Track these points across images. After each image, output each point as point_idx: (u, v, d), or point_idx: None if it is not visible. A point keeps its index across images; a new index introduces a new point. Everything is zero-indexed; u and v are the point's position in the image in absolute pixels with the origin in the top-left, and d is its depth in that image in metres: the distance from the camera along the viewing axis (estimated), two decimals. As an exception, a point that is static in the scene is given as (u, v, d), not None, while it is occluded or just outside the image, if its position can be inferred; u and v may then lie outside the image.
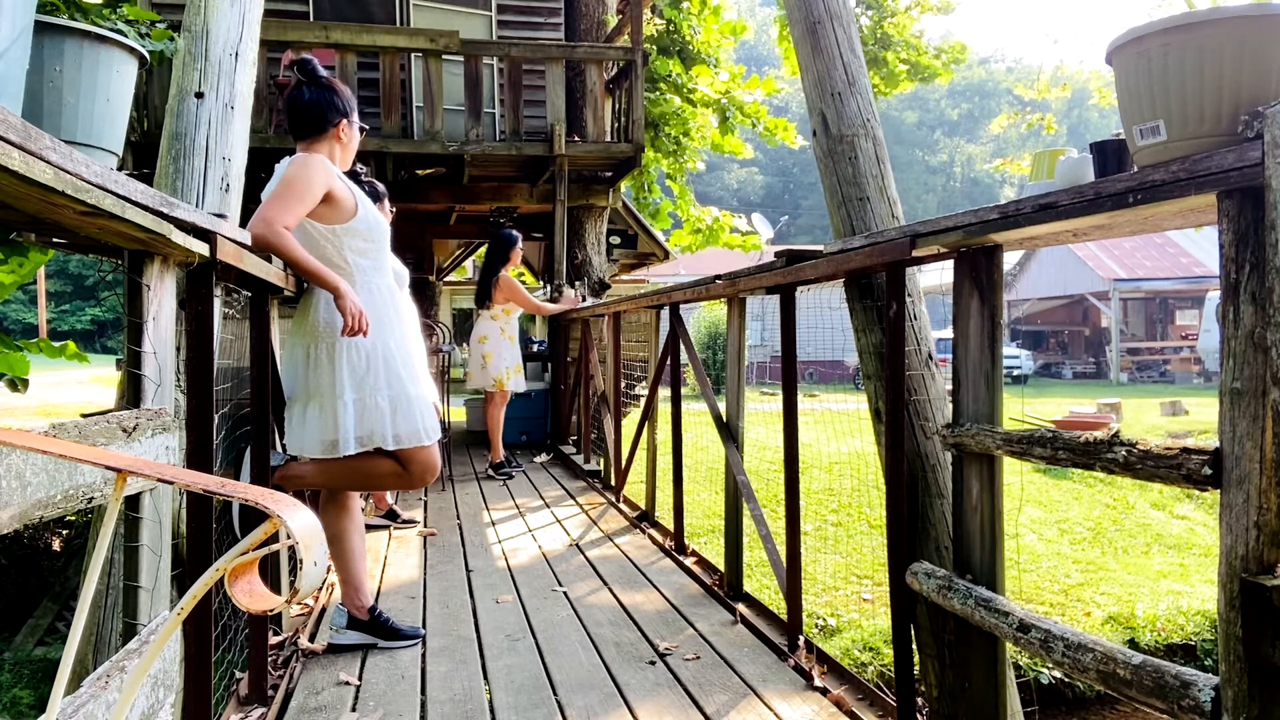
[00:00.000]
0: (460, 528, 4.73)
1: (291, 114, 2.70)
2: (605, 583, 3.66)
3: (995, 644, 2.07)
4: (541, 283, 10.76)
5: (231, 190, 2.93)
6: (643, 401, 5.29)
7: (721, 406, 3.65)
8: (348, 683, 2.62)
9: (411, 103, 7.85)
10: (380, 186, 3.48)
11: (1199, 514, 8.57)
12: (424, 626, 3.12)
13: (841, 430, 8.89)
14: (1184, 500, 8.81)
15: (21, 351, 2.26)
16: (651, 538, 4.43)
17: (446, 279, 15.75)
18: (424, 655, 2.85)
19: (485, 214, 9.05)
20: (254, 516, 2.56)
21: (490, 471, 6.30)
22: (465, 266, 17.33)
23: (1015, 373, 22.63)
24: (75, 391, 14.47)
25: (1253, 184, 1.29)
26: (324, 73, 2.75)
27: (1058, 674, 5.47)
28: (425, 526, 4.74)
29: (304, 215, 2.53)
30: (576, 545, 4.33)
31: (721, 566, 3.63)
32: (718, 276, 3.47)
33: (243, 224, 2.46)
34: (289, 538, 0.81)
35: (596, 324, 6.72)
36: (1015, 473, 8.33)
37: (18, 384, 2.29)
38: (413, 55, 7.61)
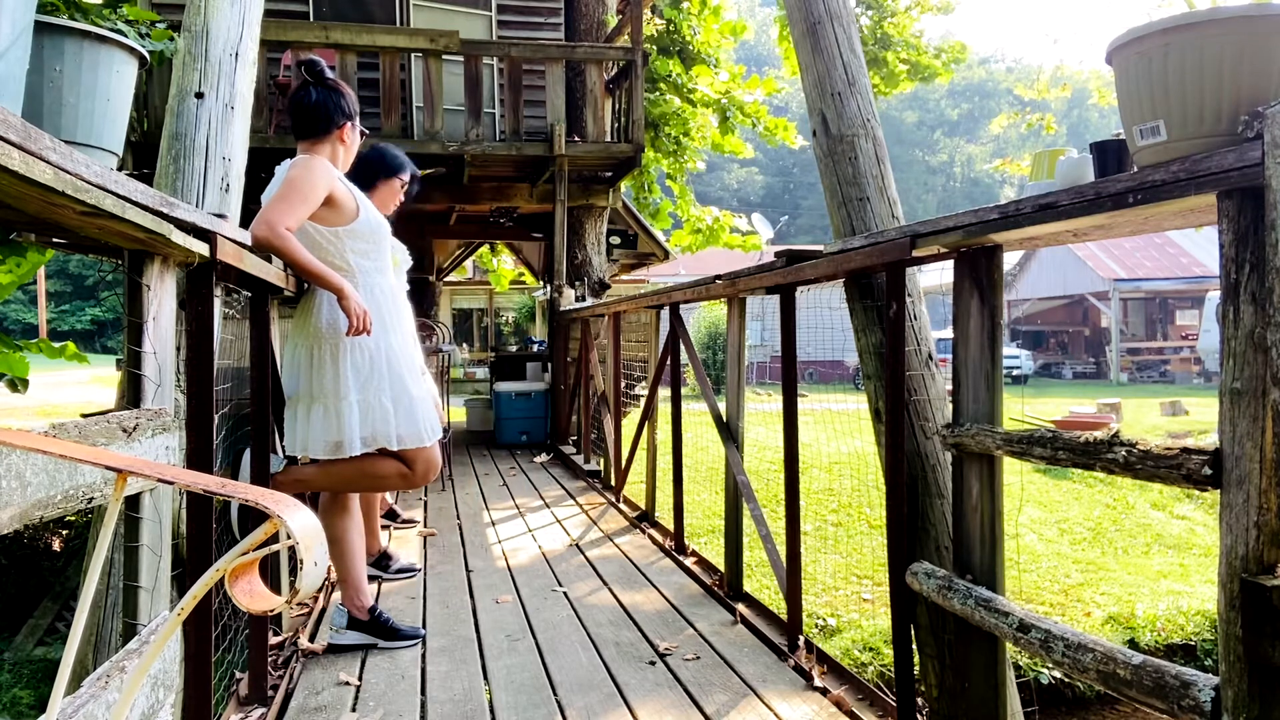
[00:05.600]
0: (460, 528, 4.73)
1: (296, 114, 2.70)
2: (605, 583, 3.66)
3: (995, 644, 2.07)
4: (541, 283, 10.76)
5: (231, 190, 2.93)
6: (643, 401, 5.29)
7: (721, 406, 3.65)
8: (348, 683, 2.62)
9: (411, 103, 7.84)
10: (385, 160, 3.34)
11: (1199, 514, 8.56)
12: (424, 626, 3.12)
13: (841, 430, 8.89)
14: (1184, 500, 8.80)
15: (21, 352, 2.27)
16: (651, 538, 4.42)
17: (446, 279, 15.76)
18: (424, 655, 2.85)
19: (485, 214, 9.05)
20: (253, 517, 2.56)
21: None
22: (465, 266, 17.36)
23: (1015, 373, 22.61)
24: (75, 391, 14.47)
25: (1253, 184, 1.29)
26: (331, 74, 2.76)
27: (1058, 674, 5.47)
28: (425, 526, 4.73)
29: (306, 217, 2.53)
30: (576, 545, 4.33)
31: (721, 566, 3.63)
32: (718, 276, 3.46)
33: (243, 224, 2.46)
34: (289, 538, 0.81)
35: (596, 324, 6.72)
36: (1015, 473, 8.33)
37: (18, 384, 2.29)
38: (413, 55, 7.60)
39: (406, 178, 3.38)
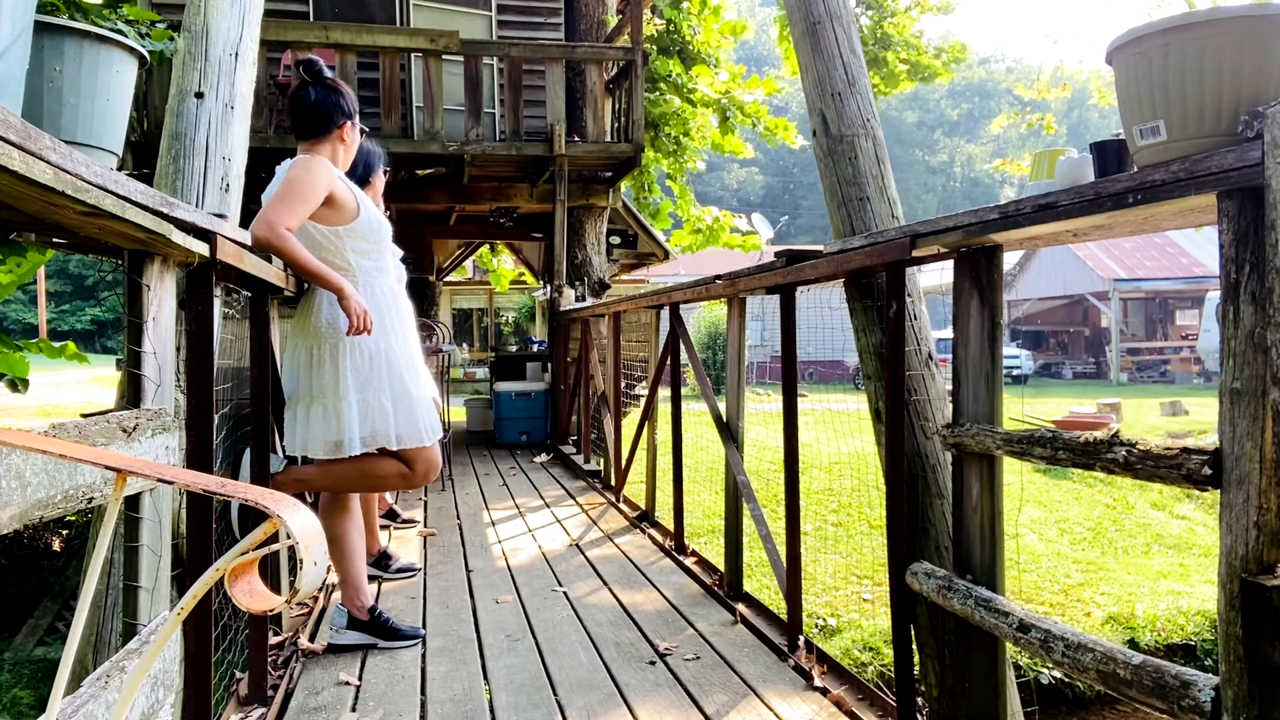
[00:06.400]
0: (460, 528, 4.73)
1: (296, 114, 2.71)
2: (605, 583, 3.66)
3: (995, 644, 2.07)
4: (541, 283, 10.76)
5: (231, 190, 2.93)
6: (643, 401, 5.29)
7: (721, 406, 3.65)
8: (348, 683, 2.62)
9: (411, 103, 7.85)
10: (376, 148, 3.41)
11: (1199, 514, 8.57)
12: (424, 626, 3.12)
13: (841, 430, 8.89)
14: (1184, 500, 8.80)
15: (21, 352, 2.26)
16: (651, 538, 4.42)
17: (446, 279, 15.76)
18: (424, 655, 2.85)
19: (485, 214, 9.05)
20: (253, 516, 2.56)
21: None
22: (465, 266, 17.37)
23: (1015, 373, 22.61)
24: (75, 391, 14.47)
25: (1253, 184, 1.29)
26: (329, 74, 2.76)
27: (1058, 674, 5.47)
28: (425, 526, 4.73)
29: (306, 217, 2.53)
30: (576, 545, 4.33)
31: (721, 566, 3.63)
32: (718, 276, 3.46)
33: (243, 224, 2.46)
34: (289, 538, 0.81)
35: (596, 324, 6.72)
36: (1015, 473, 8.33)
37: (18, 384, 2.29)
38: (413, 55, 7.60)
39: (384, 168, 3.49)
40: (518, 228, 9.52)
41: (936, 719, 2.91)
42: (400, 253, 3.53)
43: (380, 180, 3.45)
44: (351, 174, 3.17)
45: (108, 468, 0.95)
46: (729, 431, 3.52)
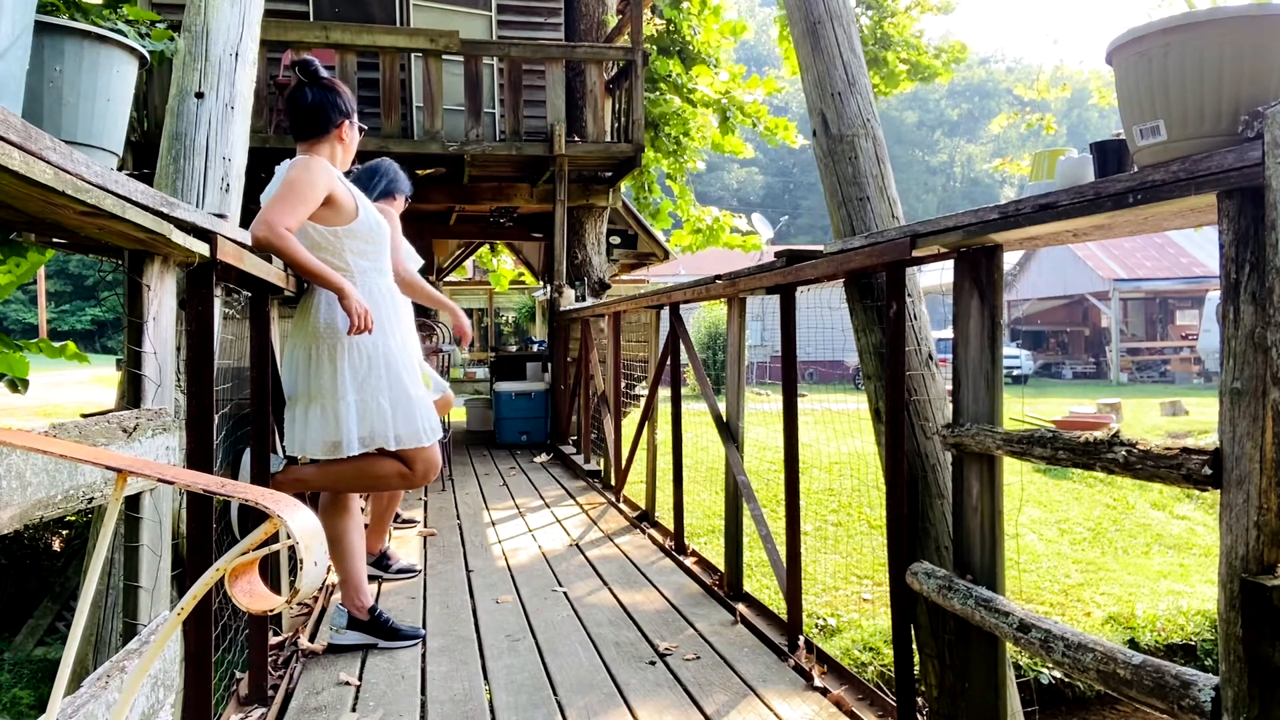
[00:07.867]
0: (460, 528, 4.73)
1: (293, 115, 2.71)
2: (605, 583, 3.66)
3: (995, 644, 2.07)
4: (541, 283, 10.77)
5: (231, 190, 2.93)
6: (643, 401, 5.29)
7: (721, 406, 3.65)
8: (348, 683, 2.62)
9: (411, 103, 7.85)
10: (406, 179, 3.60)
11: (1199, 514, 8.56)
12: (424, 626, 3.12)
13: (841, 430, 8.89)
14: (1184, 500, 8.80)
15: (21, 352, 2.27)
16: (651, 538, 4.42)
17: (446, 279, 15.76)
18: (424, 655, 2.85)
19: (485, 214, 9.05)
20: (253, 516, 2.56)
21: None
22: (465, 266, 17.36)
23: (1015, 373, 22.61)
24: (75, 391, 14.47)
25: (1253, 184, 1.29)
26: (325, 74, 2.76)
27: (1058, 674, 5.47)
28: (425, 526, 4.74)
29: (306, 217, 2.53)
30: (576, 545, 4.33)
31: (721, 566, 3.63)
32: (718, 276, 3.47)
33: (243, 224, 2.46)
34: (289, 538, 0.81)
35: (596, 324, 6.72)
36: (1015, 473, 8.33)
37: (18, 384, 2.29)
38: (413, 55, 7.61)
39: (406, 196, 3.70)
40: (518, 228, 9.51)
41: (936, 719, 2.91)
42: (418, 259, 3.61)
43: (400, 203, 3.63)
44: (367, 187, 3.29)
45: (108, 468, 0.95)
46: (729, 431, 3.52)
